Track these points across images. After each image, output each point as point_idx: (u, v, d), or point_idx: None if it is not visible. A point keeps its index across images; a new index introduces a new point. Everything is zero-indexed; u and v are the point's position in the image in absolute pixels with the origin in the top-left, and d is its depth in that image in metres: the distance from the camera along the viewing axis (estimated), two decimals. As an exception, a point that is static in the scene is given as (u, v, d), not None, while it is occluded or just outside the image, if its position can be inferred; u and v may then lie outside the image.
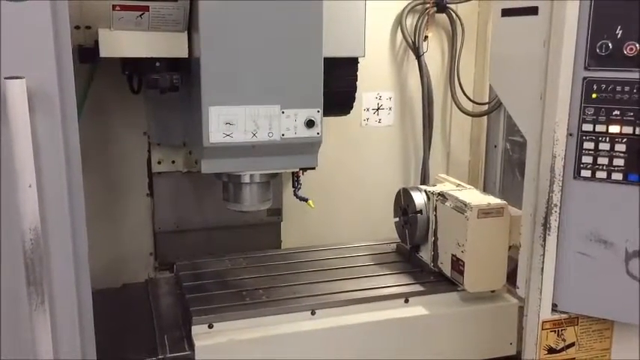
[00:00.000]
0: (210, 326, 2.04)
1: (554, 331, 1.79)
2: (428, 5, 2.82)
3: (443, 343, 2.23)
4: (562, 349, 1.82)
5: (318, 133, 2.11)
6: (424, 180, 2.95)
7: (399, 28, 2.87)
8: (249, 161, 2.13)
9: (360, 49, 2.27)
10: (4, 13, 1.39)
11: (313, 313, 2.15)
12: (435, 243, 2.38)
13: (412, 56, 2.89)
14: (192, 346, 1.99)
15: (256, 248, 2.68)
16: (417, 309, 2.23)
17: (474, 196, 2.26)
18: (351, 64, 2.33)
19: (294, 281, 2.34)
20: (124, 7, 2.00)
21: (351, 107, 2.44)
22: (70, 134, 1.51)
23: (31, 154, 1.41)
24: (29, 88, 1.39)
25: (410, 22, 2.86)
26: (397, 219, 2.57)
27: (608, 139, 1.63)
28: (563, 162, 1.67)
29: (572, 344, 1.82)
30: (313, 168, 2.24)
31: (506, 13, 1.81)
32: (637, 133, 1.60)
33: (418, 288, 2.31)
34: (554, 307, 1.76)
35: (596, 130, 1.63)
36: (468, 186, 2.43)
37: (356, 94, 2.39)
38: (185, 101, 2.34)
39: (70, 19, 1.50)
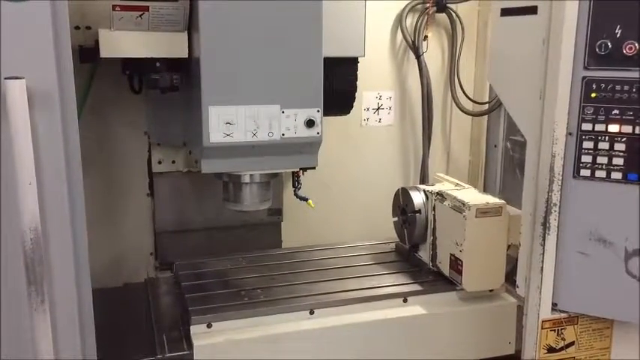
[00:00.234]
0: (209, 326, 2.04)
1: (554, 330, 1.79)
2: (428, 5, 2.82)
3: (442, 342, 2.23)
4: (562, 348, 1.82)
5: (318, 133, 2.11)
6: (423, 179, 2.95)
7: (399, 27, 2.87)
8: (249, 161, 2.13)
9: (360, 48, 2.27)
10: (4, 13, 1.39)
11: (312, 313, 2.15)
12: (433, 242, 2.38)
13: (412, 56, 2.89)
14: (190, 346, 1.99)
15: (257, 248, 2.68)
16: (415, 308, 2.23)
17: (473, 196, 2.26)
18: (351, 63, 2.33)
19: (293, 281, 2.34)
20: (124, 8, 2.00)
21: (351, 107, 2.44)
22: (71, 134, 1.52)
23: (32, 154, 1.42)
24: (29, 89, 1.40)
25: (410, 21, 2.86)
26: (396, 218, 2.57)
27: (607, 138, 1.63)
28: (562, 161, 1.67)
29: (572, 343, 1.82)
30: (313, 168, 2.24)
31: (506, 12, 1.81)
32: (636, 132, 1.60)
33: (417, 287, 2.31)
34: (554, 306, 1.76)
35: (596, 129, 1.63)
36: (467, 185, 2.43)
37: (356, 93, 2.40)
38: (185, 101, 2.34)
39: (70, 19, 1.50)
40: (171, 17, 2.05)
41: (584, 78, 1.63)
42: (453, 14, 2.89)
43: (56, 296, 1.53)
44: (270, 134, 2.06)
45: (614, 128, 1.62)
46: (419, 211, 2.41)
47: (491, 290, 2.30)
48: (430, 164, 2.98)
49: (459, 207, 2.20)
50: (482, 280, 2.24)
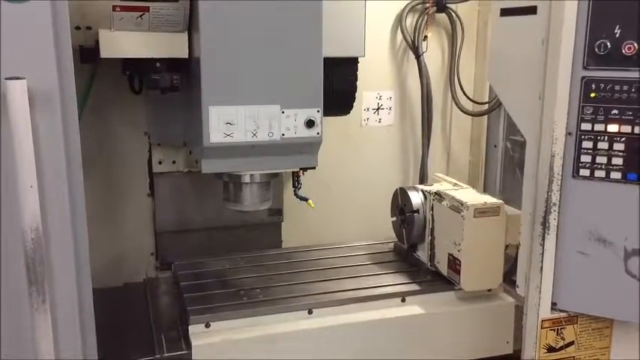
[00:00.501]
0: (207, 325, 2.04)
1: (554, 329, 1.80)
2: (428, 5, 2.83)
3: (440, 342, 2.23)
4: (561, 348, 1.82)
5: (318, 133, 2.11)
6: (423, 179, 2.96)
7: (399, 27, 2.87)
8: (249, 161, 2.13)
9: (360, 48, 2.28)
10: (4, 13, 1.39)
11: (310, 313, 2.15)
12: (431, 242, 2.38)
13: (412, 56, 2.89)
14: (189, 346, 1.99)
15: (257, 248, 2.68)
16: (413, 308, 2.24)
17: (471, 196, 2.26)
18: (351, 63, 2.33)
19: (292, 281, 2.34)
20: (124, 8, 2.01)
21: (351, 107, 2.44)
22: (71, 134, 1.52)
23: (32, 154, 1.42)
24: (30, 89, 1.40)
25: (410, 21, 2.86)
26: (394, 218, 2.58)
27: (606, 138, 1.63)
28: (562, 161, 1.67)
29: (572, 343, 1.82)
30: (313, 168, 2.25)
31: (505, 12, 1.82)
32: (635, 132, 1.60)
33: (415, 287, 2.32)
34: (554, 306, 1.76)
35: (595, 129, 1.64)
36: (465, 185, 2.44)
37: (356, 93, 2.40)
38: (185, 101, 2.34)
39: (71, 19, 1.51)
40: (171, 17, 2.06)
41: (583, 78, 1.63)
42: (453, 14, 2.89)
43: (57, 296, 1.54)
44: (270, 134, 2.07)
45: (613, 128, 1.62)
46: (417, 211, 2.41)
47: (489, 290, 2.30)
48: (430, 164, 2.98)
49: (457, 207, 2.20)
50: (481, 280, 2.24)
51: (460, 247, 2.18)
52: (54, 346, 1.52)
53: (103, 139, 2.55)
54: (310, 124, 2.09)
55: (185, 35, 2.11)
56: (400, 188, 2.53)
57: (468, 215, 2.15)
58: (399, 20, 2.86)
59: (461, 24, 2.91)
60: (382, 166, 3.01)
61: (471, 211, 2.14)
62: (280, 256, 2.61)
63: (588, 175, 1.66)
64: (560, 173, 1.68)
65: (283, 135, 2.08)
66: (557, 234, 1.71)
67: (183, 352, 2.00)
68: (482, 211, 2.16)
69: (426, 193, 2.41)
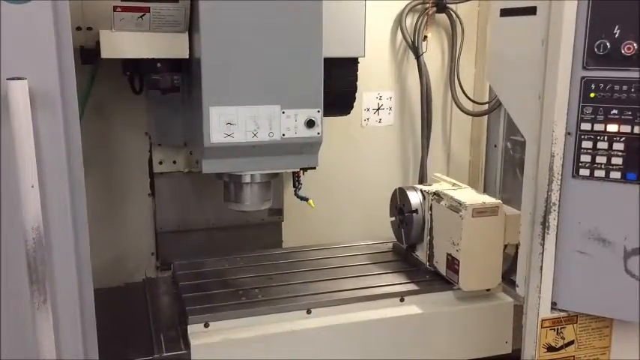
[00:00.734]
0: (206, 325, 2.04)
1: (554, 329, 1.80)
2: (428, 5, 2.83)
3: (438, 341, 2.24)
4: (561, 347, 1.82)
5: (318, 133, 2.12)
6: (422, 179, 2.96)
7: (399, 28, 2.87)
8: (249, 161, 2.14)
9: (360, 49, 2.28)
10: (5, 14, 1.40)
11: (309, 312, 2.15)
12: (430, 242, 2.38)
13: (412, 56, 2.90)
14: (188, 345, 2.00)
15: (257, 248, 2.69)
16: (412, 308, 2.24)
17: (469, 196, 2.27)
18: (351, 64, 2.33)
19: (290, 280, 2.35)
20: (124, 8, 2.01)
21: (352, 107, 2.45)
22: (72, 135, 1.52)
23: (34, 154, 1.42)
24: (31, 89, 1.40)
25: (410, 22, 2.87)
26: (393, 218, 2.58)
27: (606, 138, 1.64)
28: (561, 161, 1.68)
29: (572, 342, 1.83)
30: (314, 168, 2.25)
31: (505, 13, 1.82)
32: (635, 131, 1.61)
33: (414, 287, 2.32)
34: (554, 306, 1.77)
35: (595, 129, 1.64)
36: (464, 185, 2.44)
37: (356, 93, 2.40)
38: (186, 101, 2.35)
39: (72, 20, 1.51)
40: (172, 18, 2.06)
41: (582, 78, 1.63)
42: (453, 14, 2.90)
43: (58, 296, 1.54)
44: (271, 134, 2.07)
45: (612, 128, 1.63)
46: (416, 211, 2.41)
47: (488, 290, 2.30)
48: (430, 164, 2.98)
49: (456, 207, 2.20)
50: (479, 280, 2.24)
51: (459, 246, 2.19)
52: (55, 345, 1.52)
53: (104, 139, 2.55)
54: (310, 124, 2.09)
55: (186, 35, 2.11)
56: (399, 188, 2.53)
57: (466, 215, 2.15)
58: (399, 20, 2.86)
59: (461, 24, 2.91)
60: (382, 166, 3.01)
61: (469, 211, 2.15)
62: (280, 256, 2.61)
63: (588, 174, 1.66)
64: (560, 173, 1.68)
65: (284, 135, 2.08)
66: (557, 234, 1.71)
67: (182, 351, 2.00)
68: (480, 211, 2.16)
69: (424, 193, 2.41)
